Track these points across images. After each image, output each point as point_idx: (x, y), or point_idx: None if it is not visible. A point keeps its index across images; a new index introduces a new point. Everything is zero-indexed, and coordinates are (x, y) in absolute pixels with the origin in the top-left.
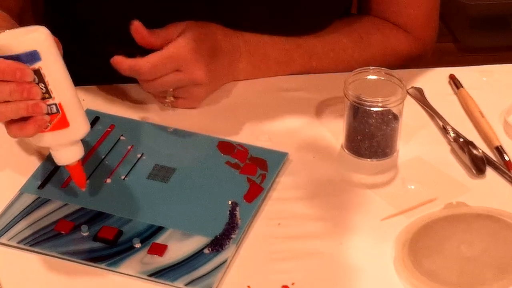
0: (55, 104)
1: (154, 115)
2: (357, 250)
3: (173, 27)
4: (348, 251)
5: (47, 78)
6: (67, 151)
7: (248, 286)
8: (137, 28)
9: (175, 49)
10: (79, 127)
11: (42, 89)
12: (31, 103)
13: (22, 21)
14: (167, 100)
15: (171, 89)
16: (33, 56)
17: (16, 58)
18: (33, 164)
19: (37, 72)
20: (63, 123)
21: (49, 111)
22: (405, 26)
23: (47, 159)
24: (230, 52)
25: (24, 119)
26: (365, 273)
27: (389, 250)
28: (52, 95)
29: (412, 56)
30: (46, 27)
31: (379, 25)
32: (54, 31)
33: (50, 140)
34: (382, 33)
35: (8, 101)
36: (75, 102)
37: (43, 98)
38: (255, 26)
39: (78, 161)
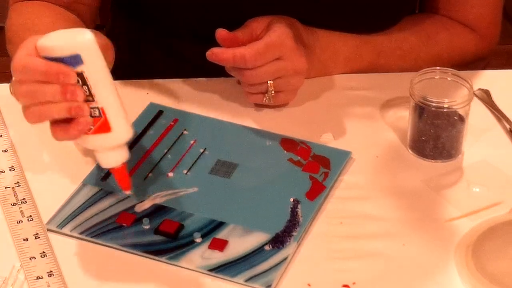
0: (98, 108)
1: (218, 110)
2: (420, 252)
3: (255, 23)
4: (411, 252)
5: (89, 82)
6: (111, 154)
7: (308, 284)
8: (223, 36)
9: (277, 37)
10: (121, 132)
11: (85, 91)
12: (74, 104)
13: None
14: (267, 96)
15: (271, 82)
16: (76, 60)
17: (60, 60)
18: None
19: (80, 76)
20: (105, 128)
21: (92, 114)
22: (471, 25)
23: None
24: (309, 46)
25: (67, 121)
26: (427, 275)
27: (452, 252)
28: (94, 99)
29: (478, 55)
30: (112, 21)
31: (446, 24)
32: (120, 24)
33: (93, 143)
34: (449, 32)
35: (50, 102)
36: (118, 107)
37: (86, 101)
38: (325, 23)
39: (123, 164)
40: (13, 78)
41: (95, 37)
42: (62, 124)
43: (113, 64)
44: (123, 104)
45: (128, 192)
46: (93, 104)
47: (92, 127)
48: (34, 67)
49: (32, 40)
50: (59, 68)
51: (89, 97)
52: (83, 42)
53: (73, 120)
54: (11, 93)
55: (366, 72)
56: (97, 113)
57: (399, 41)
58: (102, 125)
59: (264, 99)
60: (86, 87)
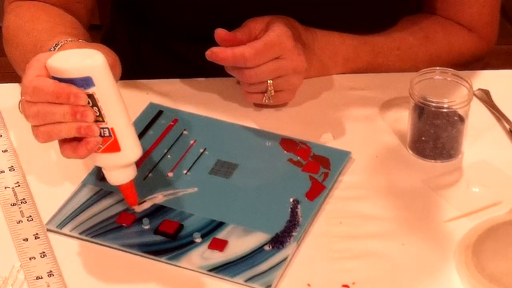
0: (108, 129)
1: (217, 110)
2: (419, 252)
3: (254, 22)
4: (410, 252)
5: (100, 103)
6: (119, 172)
7: (308, 285)
8: (222, 36)
9: (277, 36)
10: (130, 152)
11: (95, 112)
12: (84, 125)
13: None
14: (266, 95)
15: (271, 81)
16: (87, 82)
17: (71, 81)
18: None
19: (91, 97)
20: (115, 147)
21: (102, 134)
22: (469, 25)
23: None
24: (308, 46)
25: (77, 140)
26: (427, 274)
27: (451, 252)
28: (105, 120)
29: (476, 55)
30: (111, 21)
31: (444, 24)
32: (120, 25)
33: (102, 161)
34: (447, 32)
35: (60, 122)
36: (128, 127)
37: (96, 121)
38: (324, 23)
39: (130, 181)
40: (22, 98)
41: (106, 56)
42: (72, 143)
43: (119, 77)
44: (132, 124)
45: (134, 207)
46: (103, 125)
47: (101, 146)
48: (45, 89)
49: (40, 58)
50: (70, 90)
51: (99, 118)
52: (95, 65)
53: (82, 139)
54: (20, 111)
55: (364, 72)
56: (107, 133)
57: (397, 41)
58: (112, 145)
59: (264, 98)
60: (97, 108)
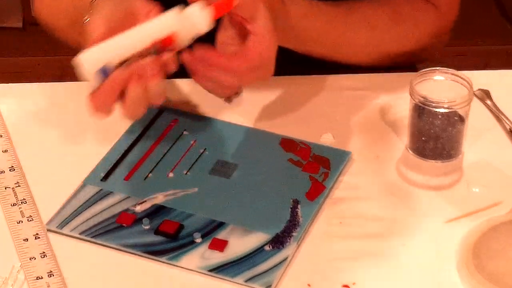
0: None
1: (218, 110)
2: (420, 252)
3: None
4: (411, 252)
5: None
6: (197, 21)
7: (309, 285)
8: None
9: (264, 52)
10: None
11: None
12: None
13: None
14: (235, 95)
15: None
16: (105, 70)
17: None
18: (97, 156)
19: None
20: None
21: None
22: (432, 1)
23: (111, 151)
24: (282, 23)
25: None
26: (427, 275)
27: (452, 253)
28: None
29: (438, 32)
30: None
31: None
32: None
33: (186, 38)
34: (415, 8)
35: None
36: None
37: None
38: None
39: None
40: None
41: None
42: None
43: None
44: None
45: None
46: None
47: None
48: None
49: None
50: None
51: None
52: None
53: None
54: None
55: (333, 50)
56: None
57: (368, 15)
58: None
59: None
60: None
